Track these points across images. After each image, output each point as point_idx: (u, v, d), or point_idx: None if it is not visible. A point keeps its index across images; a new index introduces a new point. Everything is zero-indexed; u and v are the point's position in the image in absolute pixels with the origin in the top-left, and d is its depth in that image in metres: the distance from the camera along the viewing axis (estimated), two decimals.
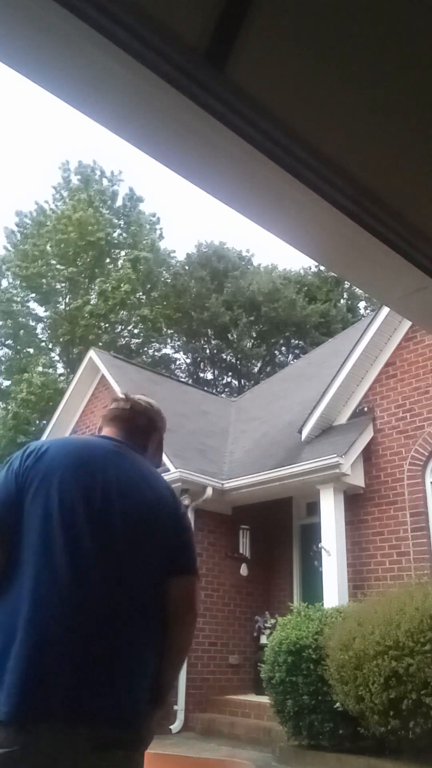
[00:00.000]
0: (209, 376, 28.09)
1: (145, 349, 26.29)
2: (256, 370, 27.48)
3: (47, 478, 1.46)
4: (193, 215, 45.75)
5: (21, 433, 19.24)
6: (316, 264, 23.44)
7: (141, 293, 24.49)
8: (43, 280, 23.33)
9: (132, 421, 1.70)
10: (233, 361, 27.54)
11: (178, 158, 1.08)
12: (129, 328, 25.54)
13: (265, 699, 6.74)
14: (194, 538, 1.67)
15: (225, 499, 8.72)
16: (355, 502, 7.70)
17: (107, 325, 23.87)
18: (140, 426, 1.71)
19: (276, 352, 27.71)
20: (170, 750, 6.17)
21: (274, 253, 46.43)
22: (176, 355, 28.09)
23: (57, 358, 24.83)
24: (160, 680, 1.48)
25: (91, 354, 11.67)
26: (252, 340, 26.78)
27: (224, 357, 27.47)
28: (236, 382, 27.53)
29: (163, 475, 7.85)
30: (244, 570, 8.88)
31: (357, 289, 24.37)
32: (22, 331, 23.96)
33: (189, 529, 1.62)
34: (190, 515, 8.55)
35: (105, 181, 26.44)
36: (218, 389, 26.22)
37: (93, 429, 11.16)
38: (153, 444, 1.75)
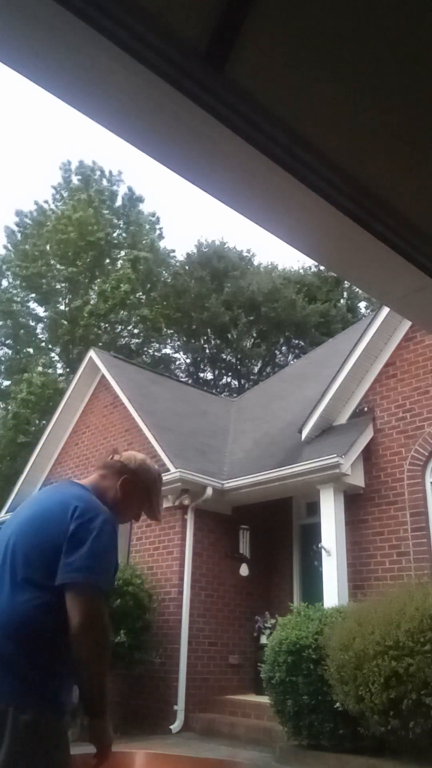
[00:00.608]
0: (209, 376, 28.09)
1: (145, 349, 26.30)
2: (256, 370, 27.49)
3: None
4: (193, 215, 45.78)
5: (21, 433, 19.23)
6: (316, 264, 23.45)
7: (141, 293, 24.49)
8: (43, 280, 23.33)
9: (108, 466, 1.95)
10: (233, 361, 27.54)
11: (178, 158, 1.09)
12: (129, 328, 25.55)
13: (265, 699, 6.74)
14: (94, 550, 1.64)
15: (225, 499, 8.72)
16: (355, 502, 7.70)
17: (107, 325, 23.88)
18: (113, 468, 1.94)
19: (276, 352, 27.71)
20: (170, 750, 6.18)
21: (274, 253, 46.46)
22: (176, 355, 28.13)
23: (57, 358, 24.85)
24: (81, 693, 1.63)
25: (91, 354, 11.68)
26: (252, 340, 26.79)
27: (224, 357, 27.47)
28: (236, 382, 27.53)
29: (163, 475, 7.74)
30: (244, 570, 8.87)
31: (357, 289, 24.37)
32: (22, 331, 23.97)
33: (79, 542, 1.63)
34: (190, 515, 8.56)
35: (105, 182, 26.45)
36: (218, 389, 26.21)
37: (93, 429, 11.17)
38: (128, 489, 1.91)
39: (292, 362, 23.20)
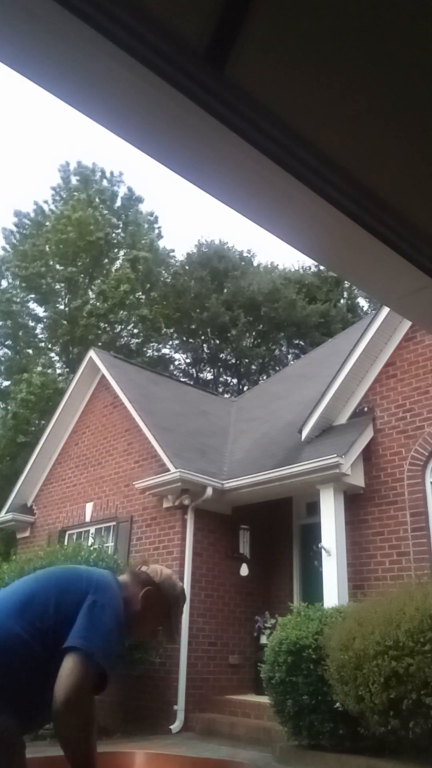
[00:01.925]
0: (208, 376, 28.09)
1: (145, 349, 26.29)
2: (256, 370, 27.49)
3: None
4: (193, 215, 45.80)
5: (21, 433, 19.22)
6: (316, 264, 23.46)
7: (140, 293, 24.49)
8: (43, 281, 23.33)
9: (135, 575, 2.01)
10: (232, 360, 27.55)
11: (178, 158, 1.08)
12: (129, 328, 25.54)
13: (265, 699, 6.74)
14: (99, 622, 1.71)
15: (225, 499, 8.72)
16: (355, 502, 7.71)
17: (107, 325, 23.87)
18: (138, 578, 2.00)
19: (276, 352, 27.71)
20: (170, 750, 6.18)
21: (274, 253, 46.47)
22: (176, 355, 28.13)
23: (57, 358, 24.83)
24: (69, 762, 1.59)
25: (91, 354, 11.68)
26: (252, 340, 26.78)
27: (223, 357, 27.47)
28: (235, 382, 27.54)
29: (163, 475, 7.78)
30: (244, 570, 8.88)
31: (357, 289, 24.36)
32: (21, 331, 23.95)
33: (89, 610, 1.71)
34: (190, 515, 8.56)
35: (104, 182, 26.46)
36: (217, 389, 26.21)
37: (93, 429, 11.17)
38: (149, 602, 1.94)
39: (292, 362, 23.19)
